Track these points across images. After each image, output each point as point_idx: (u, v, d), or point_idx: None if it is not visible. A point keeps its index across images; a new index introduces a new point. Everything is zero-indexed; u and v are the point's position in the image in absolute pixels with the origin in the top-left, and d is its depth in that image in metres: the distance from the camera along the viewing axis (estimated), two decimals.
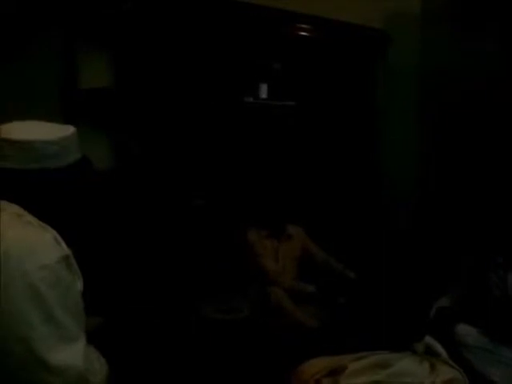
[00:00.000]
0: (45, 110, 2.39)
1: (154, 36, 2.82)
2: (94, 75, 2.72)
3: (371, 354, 1.62)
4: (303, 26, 3.21)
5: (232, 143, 3.13)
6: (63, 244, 1.18)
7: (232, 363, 2.28)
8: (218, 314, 2.65)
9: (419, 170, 3.80)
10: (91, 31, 2.70)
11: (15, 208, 1.20)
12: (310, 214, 3.23)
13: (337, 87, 3.45)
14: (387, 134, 3.69)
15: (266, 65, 3.21)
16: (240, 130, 3.14)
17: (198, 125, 3.00)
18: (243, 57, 3.11)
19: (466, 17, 3.37)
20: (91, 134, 2.67)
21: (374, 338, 1.95)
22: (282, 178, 3.19)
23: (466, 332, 2.38)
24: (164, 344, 2.24)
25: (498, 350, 2.22)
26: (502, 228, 2.58)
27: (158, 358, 2.15)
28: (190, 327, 2.49)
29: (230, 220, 3.06)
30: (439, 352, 1.69)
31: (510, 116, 3.08)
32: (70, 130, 1.33)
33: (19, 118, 1.31)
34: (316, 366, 1.68)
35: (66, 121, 2.43)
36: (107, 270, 2.41)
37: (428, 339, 1.74)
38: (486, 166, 3.20)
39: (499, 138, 3.14)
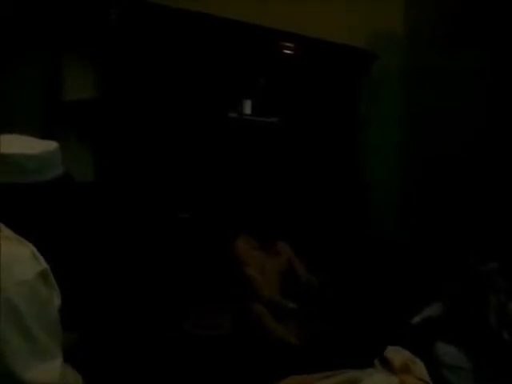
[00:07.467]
0: (27, 121, 2.40)
1: (138, 48, 2.83)
2: (77, 87, 2.72)
3: (340, 372, 1.61)
4: (288, 43, 3.27)
5: (217, 158, 3.14)
6: (41, 259, 1.17)
7: (211, 379, 2.26)
8: (199, 330, 2.63)
9: (405, 185, 3.89)
10: (75, 42, 2.70)
11: None
12: (296, 226, 3.24)
13: (320, 103, 3.50)
14: (373, 146, 3.78)
15: (250, 81, 3.24)
16: (225, 145, 3.15)
17: (183, 138, 3.00)
18: (228, 73, 3.13)
19: (449, 35, 3.50)
20: (74, 146, 2.67)
21: (350, 355, 1.95)
22: (268, 192, 3.19)
23: (445, 350, 2.39)
24: (142, 360, 2.21)
25: (476, 369, 2.23)
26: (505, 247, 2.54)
27: (136, 374, 2.13)
28: (169, 343, 2.47)
29: (216, 234, 3.05)
30: (415, 368, 1.69)
31: (494, 126, 3.16)
32: (52, 145, 1.32)
33: (1, 131, 1.30)
34: None
35: (48, 132, 2.44)
36: (87, 284, 2.38)
37: (406, 354, 1.73)
38: (471, 176, 3.26)
39: (485, 144, 3.20)
